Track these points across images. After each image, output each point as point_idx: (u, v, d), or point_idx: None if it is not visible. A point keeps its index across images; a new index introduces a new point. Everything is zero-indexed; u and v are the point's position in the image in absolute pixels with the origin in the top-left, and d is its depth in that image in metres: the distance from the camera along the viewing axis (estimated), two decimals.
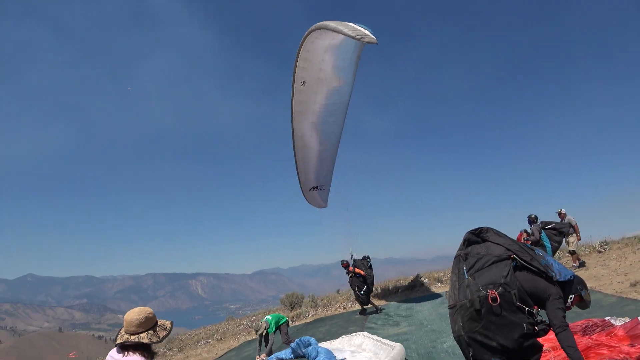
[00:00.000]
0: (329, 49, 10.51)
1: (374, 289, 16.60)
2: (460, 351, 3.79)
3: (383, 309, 13.02)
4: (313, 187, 12.94)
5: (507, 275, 3.49)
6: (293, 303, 20.53)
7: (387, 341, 7.40)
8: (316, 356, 7.25)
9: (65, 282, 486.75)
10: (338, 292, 27.08)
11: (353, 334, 8.91)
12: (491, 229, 3.97)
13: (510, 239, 3.84)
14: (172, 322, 3.29)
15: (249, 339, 14.20)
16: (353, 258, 13.06)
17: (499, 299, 3.40)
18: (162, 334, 3.13)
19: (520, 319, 3.38)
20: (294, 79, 10.98)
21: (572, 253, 12.95)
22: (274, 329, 9.95)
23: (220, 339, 16.07)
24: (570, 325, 4.91)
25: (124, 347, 3.05)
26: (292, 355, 8.34)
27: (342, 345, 8.35)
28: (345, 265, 12.93)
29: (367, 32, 8.80)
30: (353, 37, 8.82)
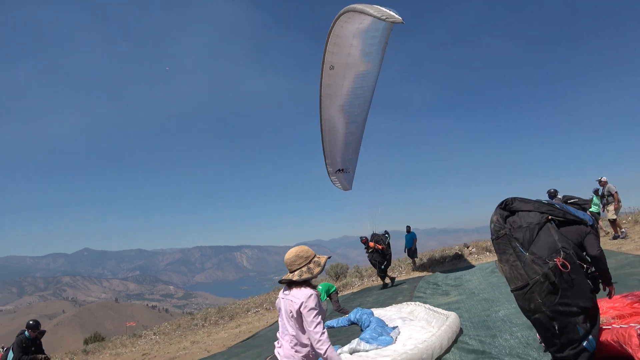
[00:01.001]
0: (357, 34, 10.58)
1: (417, 260, 16.55)
2: (530, 322, 3.65)
3: (394, 284, 13.30)
4: (339, 170, 13.15)
5: (558, 238, 3.48)
6: (338, 273, 20.74)
7: (439, 310, 7.30)
8: (369, 324, 7.27)
9: (119, 256, 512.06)
10: None
11: (404, 303, 8.88)
12: (516, 198, 3.86)
13: (535, 201, 3.79)
14: (328, 258, 3.38)
15: None
16: (373, 232, 13.10)
17: (568, 264, 3.31)
18: (316, 270, 3.21)
19: (584, 274, 3.44)
20: (323, 62, 11.05)
21: (613, 222, 12.37)
22: (325, 298, 10.05)
23: (269, 308, 16.47)
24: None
25: (288, 285, 3.27)
26: (346, 324, 8.42)
27: (392, 313, 8.32)
28: (364, 241, 12.93)
29: (392, 12, 8.78)
30: (379, 18, 8.87)
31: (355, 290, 15.34)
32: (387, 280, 13.37)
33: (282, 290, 3.35)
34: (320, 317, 3.04)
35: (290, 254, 3.30)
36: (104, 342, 19.80)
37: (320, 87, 11.70)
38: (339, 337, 7.75)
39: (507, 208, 3.79)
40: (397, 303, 9.62)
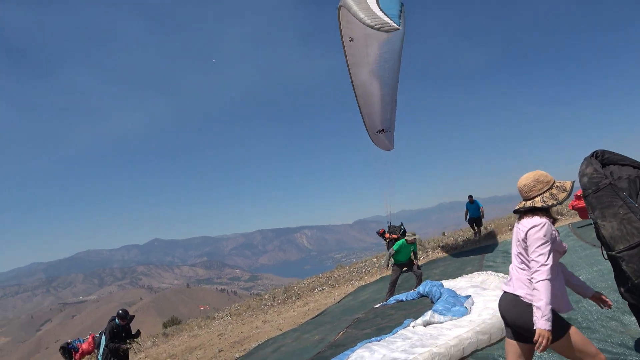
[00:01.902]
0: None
1: (482, 229, 16.07)
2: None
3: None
4: (379, 130, 12.93)
5: None
6: None
7: None
8: (440, 296, 7.10)
9: (186, 244, 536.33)
10: (444, 234, 26.54)
11: (474, 273, 8.62)
12: (605, 150, 3.38)
13: (620, 154, 3.38)
14: (572, 182, 2.98)
15: (363, 284, 14.49)
16: (389, 224, 13.49)
17: None
18: (561, 195, 2.87)
19: None
20: (341, 35, 10.71)
21: None
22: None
23: (335, 286, 16.61)
24: None
25: (522, 214, 2.96)
26: (416, 297, 8.29)
27: (463, 284, 8.10)
28: (381, 232, 13.30)
29: (387, 19, 8.52)
30: (371, 27, 8.64)
31: (419, 263, 15.11)
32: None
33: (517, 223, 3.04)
34: (545, 248, 2.73)
35: (527, 179, 2.94)
36: (180, 325, 20.84)
37: (345, 56, 11.56)
38: (409, 310, 7.64)
39: (599, 159, 3.36)
40: (466, 274, 9.36)
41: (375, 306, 9.34)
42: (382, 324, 7.14)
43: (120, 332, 8.16)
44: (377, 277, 14.76)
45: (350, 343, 6.41)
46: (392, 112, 12.88)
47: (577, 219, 13.80)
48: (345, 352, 5.57)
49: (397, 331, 5.96)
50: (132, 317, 8.49)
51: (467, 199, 15.80)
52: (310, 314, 12.16)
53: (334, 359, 5.50)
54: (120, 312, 8.34)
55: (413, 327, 6.04)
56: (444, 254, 15.38)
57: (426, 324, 6.04)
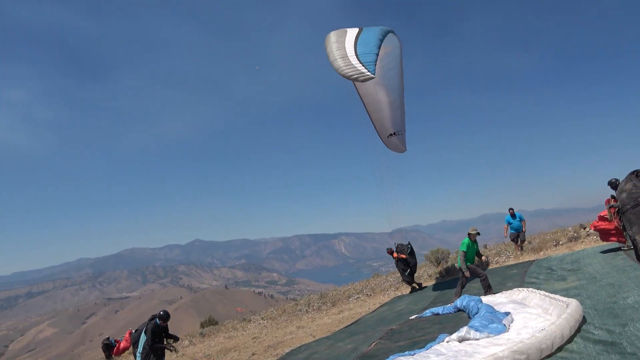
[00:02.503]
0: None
1: (526, 243, 15.59)
2: None
3: (424, 287, 14.12)
4: (391, 134, 13.33)
5: None
6: (439, 259, 20.12)
7: (557, 296, 6.71)
8: (477, 312, 6.90)
9: (226, 246, 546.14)
10: (485, 246, 25.85)
11: (515, 290, 8.33)
12: None
13: None
14: None
15: (399, 294, 14.29)
16: (396, 245, 14.09)
17: None
18: None
19: None
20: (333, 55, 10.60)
21: None
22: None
23: (370, 294, 16.46)
24: None
25: None
26: (452, 311, 8.10)
27: (502, 299, 7.84)
28: (390, 251, 13.92)
29: (361, 67, 8.75)
30: (342, 75, 8.93)
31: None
32: (415, 285, 14.10)
33: None
34: None
35: None
36: (217, 325, 21.20)
37: None
38: (445, 324, 7.47)
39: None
40: (506, 289, 9.07)
41: (411, 318, 9.19)
42: (417, 337, 7.01)
43: (160, 332, 8.65)
44: (414, 288, 14.50)
45: (382, 355, 6.33)
46: (402, 116, 13.32)
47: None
48: None
49: (430, 346, 5.83)
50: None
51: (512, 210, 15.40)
52: (345, 322, 12.10)
53: None
54: (161, 313, 8.82)
55: (447, 342, 5.90)
56: (484, 268, 14.95)
57: (461, 339, 5.89)
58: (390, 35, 10.98)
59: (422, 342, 6.51)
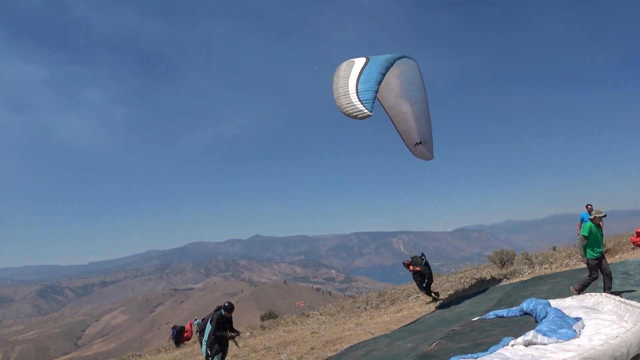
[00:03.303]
0: None
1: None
2: None
3: (439, 298, 14.32)
4: (417, 143, 13.83)
5: None
6: (503, 260, 19.40)
7: (634, 303, 6.29)
8: (545, 316, 6.61)
9: (285, 241, 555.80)
10: (554, 249, 24.63)
11: (586, 294, 7.89)
12: None
13: None
14: None
15: (460, 297, 13.94)
16: (412, 256, 14.38)
17: None
18: None
19: None
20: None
21: None
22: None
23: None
24: None
25: None
26: (518, 314, 7.81)
27: (573, 304, 7.44)
28: (407, 264, 14.12)
29: (360, 105, 9.42)
30: (343, 113, 9.68)
31: (524, 278, 14.18)
32: (433, 295, 14.33)
33: None
34: None
35: None
36: (277, 319, 21.68)
37: None
38: (510, 327, 7.22)
39: None
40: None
41: (473, 319, 8.95)
42: (479, 339, 6.83)
43: (225, 323, 9.07)
44: (477, 290, 14.10)
45: (443, 355, 6.23)
46: (428, 125, 13.89)
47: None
48: None
49: (494, 350, 5.66)
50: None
51: (583, 210, 14.18)
52: (404, 321, 11.98)
53: None
54: (226, 304, 9.28)
55: (512, 346, 5.70)
56: (553, 271, 14.25)
57: (527, 344, 5.67)
58: (402, 59, 11.78)
59: (485, 344, 6.33)
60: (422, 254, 14.26)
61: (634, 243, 11.84)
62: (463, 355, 5.59)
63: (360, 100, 9.58)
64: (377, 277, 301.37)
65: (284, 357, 10.74)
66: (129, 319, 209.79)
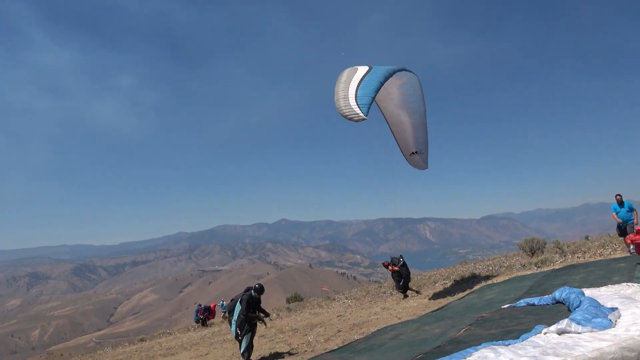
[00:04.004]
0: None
1: None
2: None
3: (420, 292, 15.18)
4: (413, 152, 14.39)
5: None
6: (533, 249, 19.03)
7: None
8: (579, 305, 6.46)
9: (311, 226, 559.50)
10: (587, 237, 24.03)
11: (623, 284, 7.66)
12: None
13: None
14: None
15: (489, 283, 13.77)
16: (391, 257, 14.99)
17: None
18: None
19: None
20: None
21: None
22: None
23: (458, 281, 16.04)
24: None
25: None
26: (550, 302, 7.66)
27: (608, 294, 7.24)
28: (385, 264, 14.79)
29: (357, 109, 10.04)
30: (340, 114, 10.25)
31: (556, 267, 13.88)
32: (408, 293, 15.00)
33: None
34: None
35: None
36: (302, 302, 21.92)
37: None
38: (542, 315, 7.08)
39: None
40: (612, 284, 8.37)
41: (503, 307, 8.82)
42: (510, 327, 6.73)
43: (254, 304, 9.26)
44: (506, 278, 13.89)
45: (472, 341, 6.17)
46: (424, 136, 14.47)
47: None
48: (468, 349, 5.37)
49: (526, 338, 5.56)
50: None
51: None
52: (430, 307, 11.93)
53: (455, 354, 5.34)
54: (257, 286, 9.46)
55: (545, 334, 5.59)
56: (586, 260, 13.90)
57: (561, 332, 5.55)
58: (403, 71, 12.52)
59: (515, 331, 6.23)
60: (401, 256, 14.98)
61: (632, 242, 11.33)
62: (494, 342, 5.51)
63: (357, 104, 10.21)
64: None
65: (311, 338, 10.86)
66: (158, 298, 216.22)
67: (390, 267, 14.63)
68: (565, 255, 15.57)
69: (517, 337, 5.69)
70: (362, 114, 10.05)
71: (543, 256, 16.23)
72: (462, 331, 7.18)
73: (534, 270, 14.38)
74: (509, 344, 5.38)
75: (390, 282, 20.68)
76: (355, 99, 10.32)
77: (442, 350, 6.17)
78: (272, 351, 10.20)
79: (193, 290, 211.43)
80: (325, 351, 8.60)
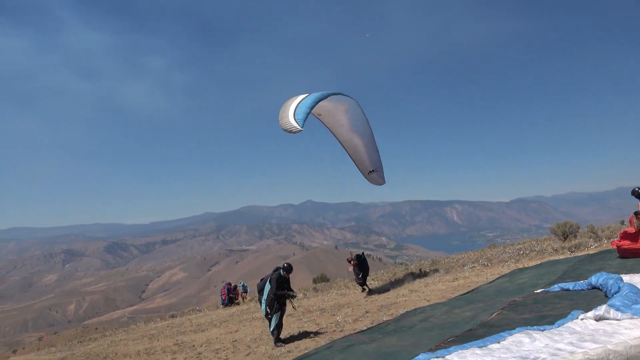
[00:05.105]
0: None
1: None
2: None
3: (371, 289, 15.61)
4: (371, 171, 15.78)
5: None
6: (566, 233, 18.60)
7: None
8: (618, 290, 6.26)
9: (336, 207, 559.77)
10: (622, 223, 23.34)
11: None
12: None
13: None
14: None
15: (520, 267, 13.54)
16: (353, 254, 15.76)
17: None
18: None
19: None
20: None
21: None
22: None
23: (487, 265, 15.83)
24: None
25: None
26: (586, 287, 7.46)
27: None
28: (348, 260, 15.55)
29: (294, 123, 11.44)
30: (282, 129, 11.65)
31: (591, 252, 13.52)
32: (365, 287, 15.58)
33: None
34: None
35: None
36: (329, 282, 22.09)
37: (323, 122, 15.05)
38: (577, 301, 6.91)
39: None
40: None
41: (536, 291, 8.65)
42: (544, 312, 6.59)
43: (283, 283, 9.41)
44: (538, 262, 13.62)
45: (505, 325, 6.07)
46: (377, 155, 15.95)
47: None
48: (502, 333, 5.30)
49: (562, 324, 5.44)
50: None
51: None
52: (460, 290, 11.80)
53: (488, 337, 5.28)
54: (285, 265, 9.64)
55: (582, 320, 5.46)
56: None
57: (599, 318, 5.41)
58: (338, 95, 13.74)
59: (550, 317, 6.11)
60: (362, 252, 16.02)
61: (617, 247, 10.90)
62: (529, 327, 5.41)
63: (295, 119, 11.62)
64: (428, 245, 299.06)
65: (339, 318, 10.93)
66: (187, 276, 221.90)
67: (352, 262, 15.47)
68: (600, 240, 15.14)
69: (552, 323, 5.58)
70: (298, 126, 11.48)
71: (576, 241, 15.85)
72: (494, 315, 7.08)
73: (567, 254, 14.06)
74: (544, 329, 5.28)
75: (417, 263, 20.60)
76: (293, 116, 11.81)
77: (473, 334, 6.09)
78: (301, 330, 10.32)
79: (220, 269, 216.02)
80: (355, 332, 8.63)
